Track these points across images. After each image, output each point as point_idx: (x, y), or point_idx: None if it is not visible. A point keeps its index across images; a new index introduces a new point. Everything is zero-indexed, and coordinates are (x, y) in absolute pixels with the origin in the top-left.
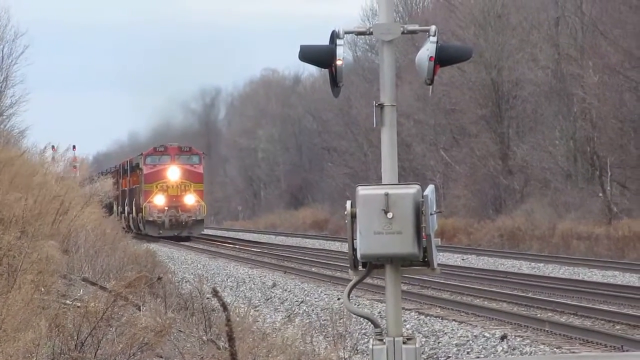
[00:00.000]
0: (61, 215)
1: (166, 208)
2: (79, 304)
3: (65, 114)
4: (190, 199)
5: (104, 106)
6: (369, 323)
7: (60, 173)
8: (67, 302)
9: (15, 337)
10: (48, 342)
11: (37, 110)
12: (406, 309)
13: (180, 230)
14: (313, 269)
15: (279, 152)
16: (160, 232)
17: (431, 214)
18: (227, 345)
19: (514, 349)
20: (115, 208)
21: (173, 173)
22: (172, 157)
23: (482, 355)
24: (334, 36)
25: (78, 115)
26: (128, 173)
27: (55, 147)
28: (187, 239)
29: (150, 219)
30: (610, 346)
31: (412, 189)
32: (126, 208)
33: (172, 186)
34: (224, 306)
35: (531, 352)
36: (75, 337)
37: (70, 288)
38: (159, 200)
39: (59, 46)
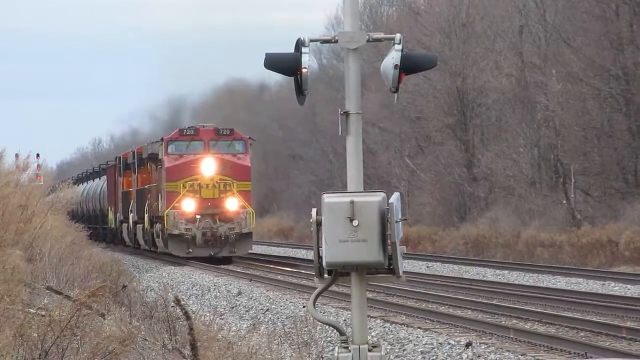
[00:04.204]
0: (25, 224)
1: (198, 217)
2: (43, 313)
3: (28, 122)
4: (232, 204)
5: (68, 115)
6: (335, 331)
7: (24, 181)
8: (32, 311)
9: None
10: (12, 352)
11: None
12: (371, 317)
13: (218, 249)
14: (278, 277)
15: None
16: (190, 250)
17: (396, 222)
18: (191, 354)
19: (479, 356)
20: (111, 216)
21: (208, 166)
22: (206, 143)
23: None
24: (299, 44)
25: (40, 123)
26: (135, 168)
27: (18, 155)
28: (228, 260)
29: (176, 232)
30: (575, 353)
31: (378, 197)
32: (132, 216)
33: (207, 185)
34: (187, 315)
35: None
36: (40, 347)
37: (35, 297)
38: (188, 205)
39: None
